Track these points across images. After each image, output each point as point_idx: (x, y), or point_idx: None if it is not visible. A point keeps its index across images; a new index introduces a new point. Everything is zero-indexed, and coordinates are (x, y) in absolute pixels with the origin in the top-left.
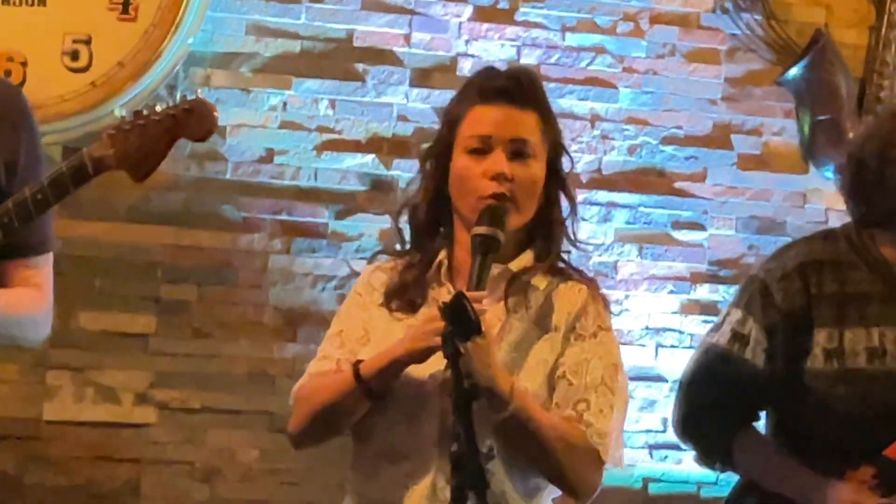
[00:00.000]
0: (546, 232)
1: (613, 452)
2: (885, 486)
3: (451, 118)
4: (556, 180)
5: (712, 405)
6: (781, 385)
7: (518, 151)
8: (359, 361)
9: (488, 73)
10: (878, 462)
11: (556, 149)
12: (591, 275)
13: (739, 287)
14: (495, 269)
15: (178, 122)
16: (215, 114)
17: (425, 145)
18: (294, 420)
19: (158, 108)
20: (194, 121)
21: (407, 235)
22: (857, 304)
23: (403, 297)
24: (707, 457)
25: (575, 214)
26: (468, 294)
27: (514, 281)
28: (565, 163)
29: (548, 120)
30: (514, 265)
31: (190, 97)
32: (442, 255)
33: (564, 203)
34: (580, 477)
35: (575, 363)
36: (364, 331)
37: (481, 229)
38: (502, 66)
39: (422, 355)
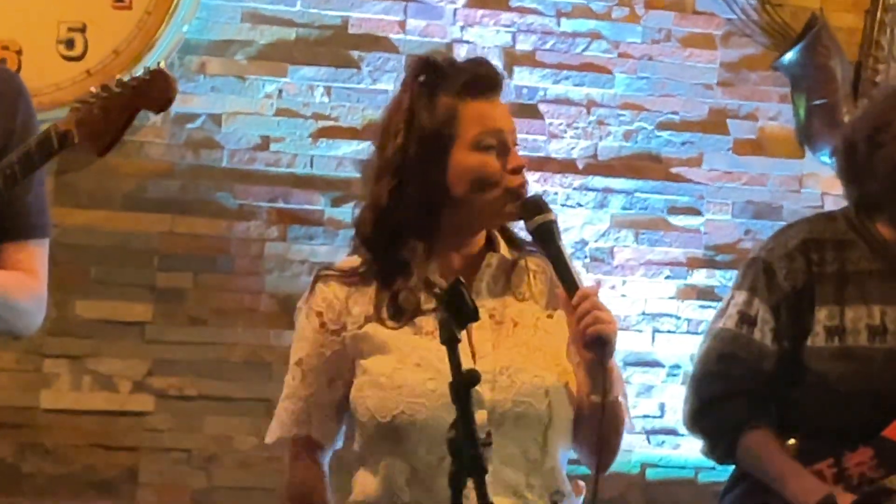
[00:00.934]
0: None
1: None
2: (885, 468)
3: (441, 117)
4: None
5: (723, 395)
6: (786, 365)
7: (516, 143)
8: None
9: (465, 67)
10: (877, 443)
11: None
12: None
13: (741, 270)
14: (493, 259)
15: (137, 93)
16: (174, 83)
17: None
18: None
19: (124, 79)
20: (153, 91)
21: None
22: (857, 282)
23: (394, 304)
24: (714, 451)
25: None
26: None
27: (509, 265)
28: None
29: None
30: (505, 252)
31: (152, 67)
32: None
33: None
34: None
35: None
36: (325, 356)
37: (542, 217)
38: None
39: None
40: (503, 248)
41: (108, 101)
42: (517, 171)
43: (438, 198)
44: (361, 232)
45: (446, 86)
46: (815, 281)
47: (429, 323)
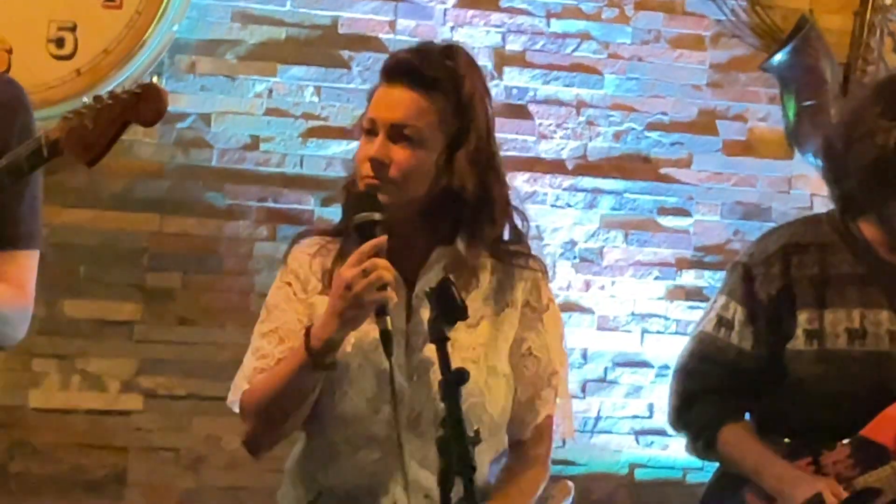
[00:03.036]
0: (467, 213)
1: (565, 425)
2: (861, 465)
3: (368, 98)
4: (462, 161)
5: (702, 392)
6: (766, 368)
7: (399, 135)
8: (308, 329)
9: (396, 53)
10: (854, 442)
11: (461, 130)
12: (535, 253)
13: (725, 273)
14: (442, 251)
15: (128, 106)
16: (165, 98)
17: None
18: (248, 427)
19: (116, 91)
20: (144, 105)
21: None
22: (838, 286)
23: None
24: (695, 446)
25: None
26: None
27: (458, 261)
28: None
29: (454, 101)
30: (458, 247)
31: (143, 81)
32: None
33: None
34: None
35: (537, 337)
36: (302, 324)
37: (362, 216)
38: (423, 44)
39: (363, 317)
40: (460, 243)
41: (99, 113)
42: (370, 161)
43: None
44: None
45: (380, 74)
46: (795, 284)
47: None
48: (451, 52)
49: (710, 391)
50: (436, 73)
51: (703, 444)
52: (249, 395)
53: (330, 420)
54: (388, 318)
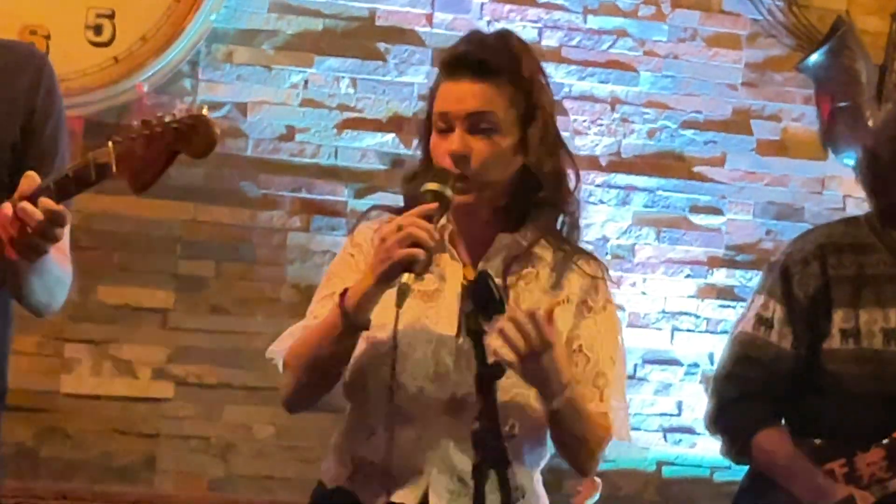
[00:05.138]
0: (539, 200)
1: (622, 428)
2: (895, 469)
3: (430, 96)
4: (528, 146)
5: (740, 397)
6: (803, 368)
7: (477, 126)
8: (345, 291)
9: (453, 46)
10: (889, 444)
11: (529, 113)
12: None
13: (762, 273)
14: (504, 238)
15: (179, 137)
16: (216, 131)
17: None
18: (286, 381)
19: (166, 119)
20: (196, 137)
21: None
22: (874, 285)
23: None
24: (730, 450)
25: (577, 182)
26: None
27: (519, 250)
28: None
29: (518, 85)
30: (521, 237)
31: (194, 111)
32: (444, 220)
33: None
34: (598, 462)
35: (590, 337)
36: None
37: (432, 185)
38: (474, 35)
39: (393, 272)
40: (524, 231)
41: (149, 141)
42: (451, 156)
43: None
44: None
45: (440, 68)
46: (832, 284)
47: (432, 282)
48: (504, 38)
49: (747, 396)
50: (496, 59)
51: (737, 449)
52: (289, 353)
53: (372, 395)
54: (412, 276)
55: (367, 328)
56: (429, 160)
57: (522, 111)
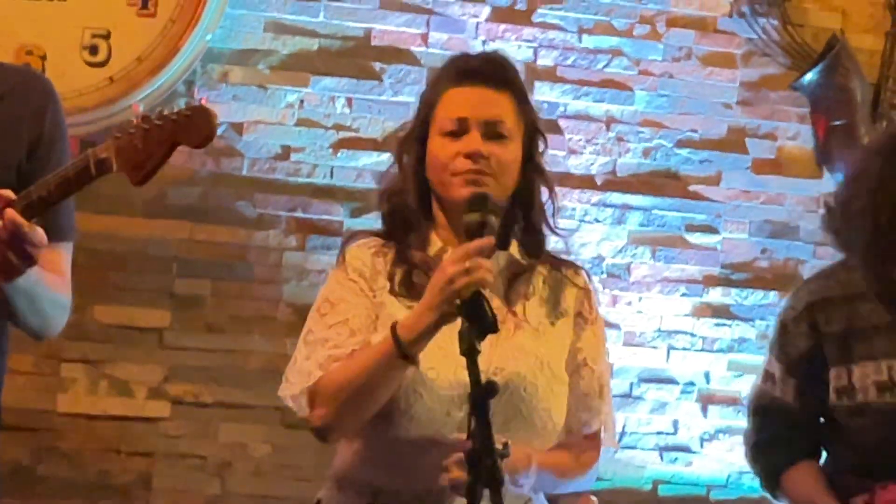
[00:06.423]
0: (529, 218)
1: (612, 437)
2: None
3: (427, 103)
4: (533, 163)
5: (766, 443)
6: (815, 418)
7: (493, 132)
8: (395, 324)
9: (462, 56)
10: None
11: (532, 131)
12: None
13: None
14: (501, 258)
15: (178, 128)
16: (215, 121)
17: (400, 133)
18: (321, 411)
19: (166, 112)
20: (194, 127)
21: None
22: (864, 338)
23: (408, 280)
24: (765, 487)
25: (553, 199)
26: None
27: (519, 268)
28: (541, 146)
29: (523, 102)
30: (514, 252)
31: (193, 103)
32: (436, 238)
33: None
34: (589, 481)
35: (591, 349)
36: (371, 320)
37: (474, 216)
38: (473, 52)
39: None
40: (514, 247)
41: (148, 133)
42: (470, 155)
43: (424, 182)
44: (381, 207)
45: (444, 76)
46: (823, 343)
47: None
48: (504, 57)
49: (772, 441)
50: (507, 73)
51: (770, 485)
52: (328, 381)
53: (399, 421)
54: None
55: (417, 363)
56: (415, 173)
57: (524, 127)
